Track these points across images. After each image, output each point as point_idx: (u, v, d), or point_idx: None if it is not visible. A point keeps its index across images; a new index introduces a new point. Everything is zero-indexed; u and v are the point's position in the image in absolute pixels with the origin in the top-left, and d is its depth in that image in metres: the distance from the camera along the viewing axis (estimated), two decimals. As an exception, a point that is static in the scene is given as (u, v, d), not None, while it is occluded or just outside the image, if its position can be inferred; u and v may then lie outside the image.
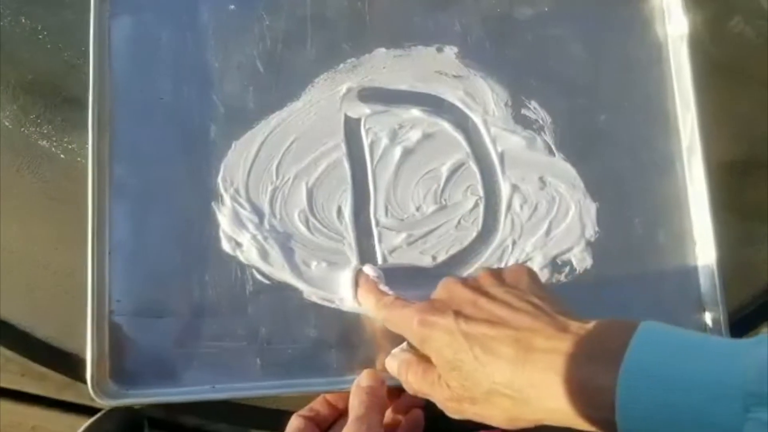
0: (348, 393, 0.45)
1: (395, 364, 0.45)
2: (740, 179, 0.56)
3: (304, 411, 0.46)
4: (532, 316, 0.39)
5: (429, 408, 0.47)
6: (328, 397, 0.47)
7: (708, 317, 0.52)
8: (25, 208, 0.52)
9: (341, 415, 0.46)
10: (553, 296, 0.42)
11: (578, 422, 0.36)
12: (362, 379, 0.46)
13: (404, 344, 0.46)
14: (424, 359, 0.43)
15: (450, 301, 0.43)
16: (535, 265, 0.50)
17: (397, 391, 0.47)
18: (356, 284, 0.49)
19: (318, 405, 0.47)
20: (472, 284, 0.44)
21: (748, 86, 0.57)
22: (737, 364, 0.32)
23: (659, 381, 0.33)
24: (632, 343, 0.34)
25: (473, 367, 0.39)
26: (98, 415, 0.47)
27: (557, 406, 0.36)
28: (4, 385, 0.51)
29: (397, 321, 0.45)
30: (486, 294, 0.42)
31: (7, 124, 0.52)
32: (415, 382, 0.43)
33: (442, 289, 0.45)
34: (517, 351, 0.38)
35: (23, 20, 0.54)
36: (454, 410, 0.41)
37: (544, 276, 0.51)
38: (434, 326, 0.41)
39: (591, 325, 0.37)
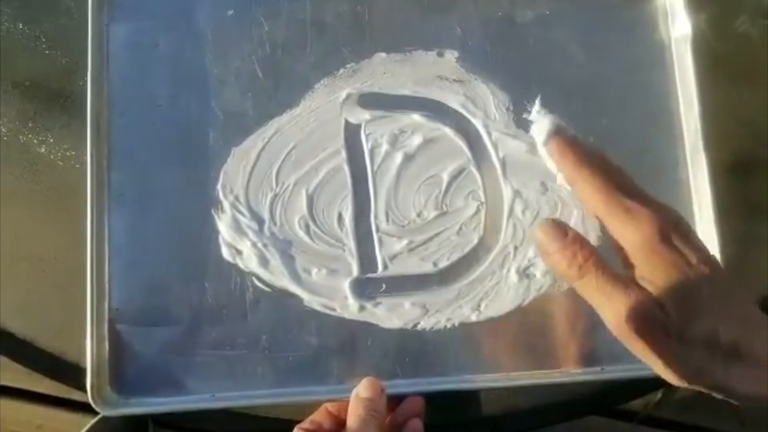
0: (348, 401, 0.45)
1: (569, 232, 0.40)
2: (744, 180, 0.56)
3: (306, 423, 0.46)
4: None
5: (428, 417, 0.47)
6: (330, 407, 0.47)
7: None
8: (23, 216, 0.52)
9: (343, 425, 0.46)
10: None
11: None
12: (361, 389, 0.45)
13: None
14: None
15: (689, 239, 0.39)
16: (538, 271, 0.50)
17: (396, 400, 0.47)
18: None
19: (320, 417, 0.46)
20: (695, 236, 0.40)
21: (752, 86, 0.57)
22: None
23: None
24: None
25: (705, 308, 0.37)
26: (101, 415, 0.47)
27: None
28: (10, 383, 0.51)
29: (624, 210, 0.39)
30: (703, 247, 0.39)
31: (5, 130, 0.52)
32: (598, 276, 0.38)
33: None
34: (755, 314, 0.38)
35: (21, 26, 0.54)
36: (639, 335, 0.37)
37: (546, 282, 0.50)
38: (675, 249, 0.38)
39: None
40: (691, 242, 0.38)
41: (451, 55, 0.53)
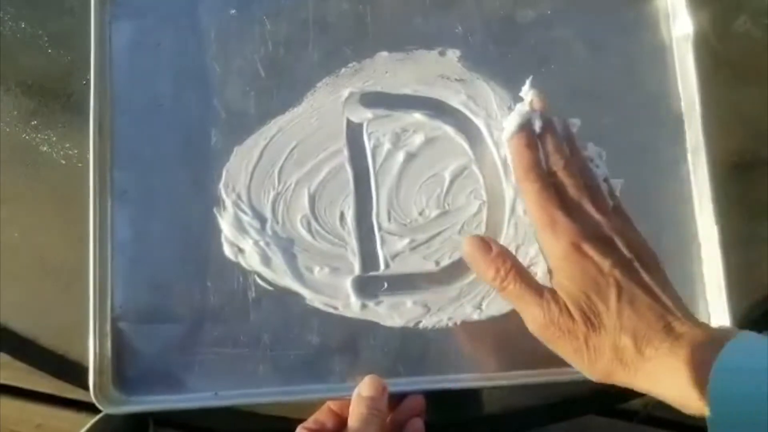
0: (350, 399, 0.45)
1: (492, 247, 0.45)
2: (745, 179, 0.56)
3: (309, 423, 0.46)
4: (673, 297, 0.42)
5: (429, 416, 0.47)
6: (333, 406, 0.47)
7: (713, 318, 0.51)
8: (26, 214, 0.52)
9: (346, 424, 0.46)
10: (671, 287, 0.44)
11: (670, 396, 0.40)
12: (363, 388, 0.45)
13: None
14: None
15: (607, 243, 0.43)
16: (539, 269, 0.50)
17: (397, 399, 0.47)
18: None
19: (323, 416, 0.47)
20: (625, 237, 0.44)
21: (753, 86, 0.57)
22: None
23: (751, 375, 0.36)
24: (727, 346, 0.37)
25: (610, 314, 0.41)
26: (103, 413, 0.47)
27: (659, 379, 0.40)
28: (10, 382, 0.51)
29: (549, 218, 0.44)
30: (641, 264, 0.43)
31: (7, 129, 0.52)
32: (516, 283, 0.43)
33: (601, 218, 0.44)
34: (657, 321, 0.41)
35: (24, 25, 0.54)
36: (553, 335, 0.42)
37: (548, 280, 0.50)
38: (587, 258, 0.42)
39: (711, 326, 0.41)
40: (611, 251, 0.42)
41: (453, 54, 0.53)
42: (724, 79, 0.55)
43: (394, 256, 0.50)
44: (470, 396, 0.52)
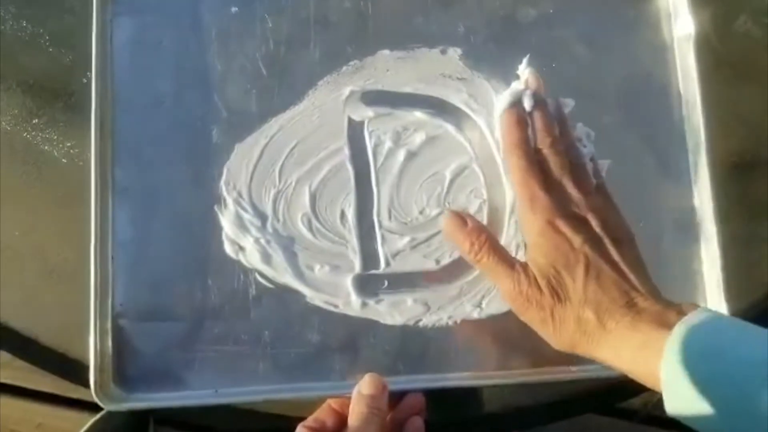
0: (350, 397, 0.45)
1: (469, 222, 0.47)
2: (745, 179, 0.56)
3: (309, 421, 0.46)
4: (639, 274, 0.44)
5: (429, 414, 0.48)
6: (333, 404, 0.47)
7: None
8: (27, 213, 0.52)
9: (346, 422, 0.46)
10: (642, 265, 0.45)
11: (629, 369, 0.41)
12: (363, 386, 0.45)
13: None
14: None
15: (581, 221, 0.45)
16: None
17: (397, 397, 0.47)
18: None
19: (323, 414, 0.47)
20: (601, 216, 0.45)
21: (754, 86, 0.57)
22: None
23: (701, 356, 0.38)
24: (683, 320, 0.39)
25: (576, 287, 0.43)
26: (103, 412, 0.47)
27: (617, 352, 0.42)
28: (10, 381, 0.51)
29: (529, 194, 0.46)
30: (613, 241, 0.44)
31: (9, 128, 0.52)
32: (490, 257, 0.45)
33: (579, 197, 0.46)
34: (620, 296, 0.42)
35: (25, 24, 0.54)
36: (522, 306, 0.45)
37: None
38: (559, 233, 0.44)
39: (676, 303, 0.42)
40: (584, 228, 0.44)
41: (454, 53, 0.53)
42: (724, 78, 0.55)
43: (395, 255, 0.50)
44: (470, 394, 0.52)
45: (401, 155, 0.51)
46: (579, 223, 0.45)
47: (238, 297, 0.49)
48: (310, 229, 0.50)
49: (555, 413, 0.52)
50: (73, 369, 0.50)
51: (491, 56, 0.53)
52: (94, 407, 0.47)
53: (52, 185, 0.52)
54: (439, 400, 0.50)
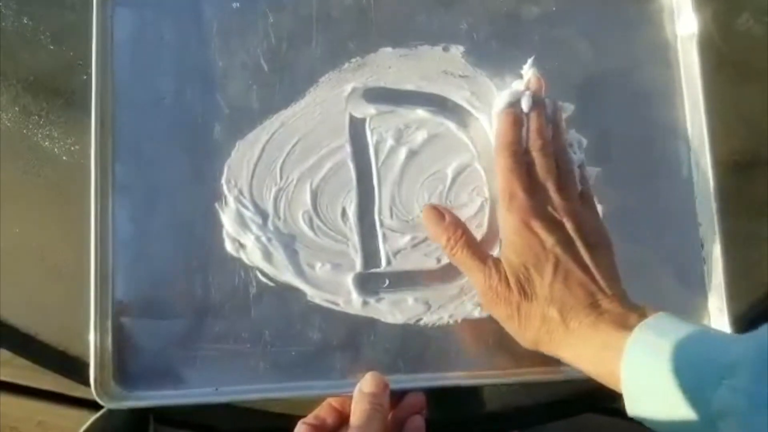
0: (351, 396, 0.45)
1: (446, 216, 0.48)
2: (748, 177, 0.56)
3: (310, 419, 0.46)
4: (607, 278, 0.44)
5: (429, 413, 0.48)
6: (333, 402, 0.47)
7: (713, 317, 0.51)
8: (27, 210, 0.51)
9: (347, 420, 0.46)
10: (613, 271, 0.46)
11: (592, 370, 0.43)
12: (365, 384, 0.45)
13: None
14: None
15: (556, 223, 0.46)
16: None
17: (398, 396, 0.47)
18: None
19: (323, 412, 0.47)
20: (577, 221, 0.46)
21: (756, 85, 0.57)
22: (729, 346, 0.37)
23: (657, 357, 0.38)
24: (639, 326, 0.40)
25: (544, 285, 0.44)
26: (103, 410, 0.47)
27: (580, 353, 0.43)
28: (10, 379, 0.51)
29: (510, 192, 0.46)
30: (586, 245, 0.45)
31: (9, 125, 0.52)
32: (465, 251, 0.47)
33: (559, 201, 0.46)
34: (585, 297, 0.43)
35: (25, 21, 0.53)
36: (491, 301, 0.46)
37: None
38: (533, 233, 0.45)
39: (641, 306, 0.43)
40: (557, 230, 0.45)
41: (456, 51, 0.53)
42: (726, 77, 0.55)
43: (396, 253, 0.50)
44: (470, 394, 0.52)
45: (403, 153, 0.51)
46: (554, 225, 0.45)
47: (239, 295, 0.49)
48: (311, 226, 0.50)
49: (554, 413, 0.52)
50: (73, 367, 0.50)
51: (494, 54, 0.53)
52: (94, 405, 0.47)
53: (53, 182, 0.52)
54: (439, 399, 0.50)
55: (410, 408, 0.47)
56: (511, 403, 0.52)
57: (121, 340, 0.47)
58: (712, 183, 0.52)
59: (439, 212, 0.48)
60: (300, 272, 0.49)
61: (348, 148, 0.51)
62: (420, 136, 0.51)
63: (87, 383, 0.46)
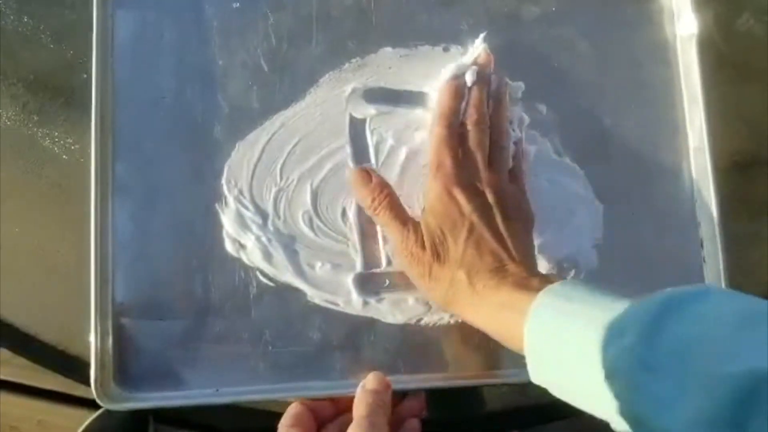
0: (351, 396, 0.45)
1: (373, 178, 0.49)
2: (748, 178, 0.56)
3: (305, 399, 0.46)
4: (518, 247, 0.46)
5: (429, 413, 0.48)
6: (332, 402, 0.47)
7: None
8: (27, 209, 0.51)
9: (341, 412, 0.46)
10: (527, 244, 0.48)
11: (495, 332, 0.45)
12: (368, 382, 0.46)
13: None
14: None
15: (478, 193, 0.47)
16: (542, 266, 0.50)
17: (398, 397, 0.47)
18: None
19: (320, 404, 0.47)
20: (498, 192, 0.47)
21: (756, 85, 0.57)
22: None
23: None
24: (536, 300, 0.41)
25: (456, 248, 0.46)
26: (102, 410, 0.47)
27: (484, 314, 0.45)
28: (10, 378, 0.51)
29: (438, 159, 0.48)
30: (504, 217, 0.47)
31: (9, 124, 0.52)
32: (387, 212, 0.48)
33: (485, 173, 0.48)
34: (493, 261, 0.45)
35: (26, 19, 0.53)
36: (406, 260, 0.47)
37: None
38: (453, 199, 0.46)
39: (546, 274, 0.45)
40: (477, 199, 0.46)
41: (456, 51, 0.53)
42: (726, 77, 0.55)
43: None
44: (470, 394, 0.52)
45: (403, 153, 0.51)
46: (474, 194, 0.47)
47: (239, 295, 0.49)
48: (312, 227, 0.50)
49: (554, 413, 0.52)
50: (73, 366, 0.50)
51: (494, 54, 0.53)
52: (94, 404, 0.46)
53: (53, 182, 0.52)
54: (439, 399, 0.50)
55: (410, 410, 0.48)
56: (511, 403, 0.52)
57: (122, 342, 0.47)
58: (712, 183, 0.52)
59: (366, 173, 0.49)
60: (300, 272, 0.49)
61: (348, 149, 0.51)
62: (420, 136, 0.51)
63: (87, 382, 0.46)
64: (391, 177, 0.51)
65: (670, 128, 0.54)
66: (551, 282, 0.42)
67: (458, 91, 0.50)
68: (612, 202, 0.52)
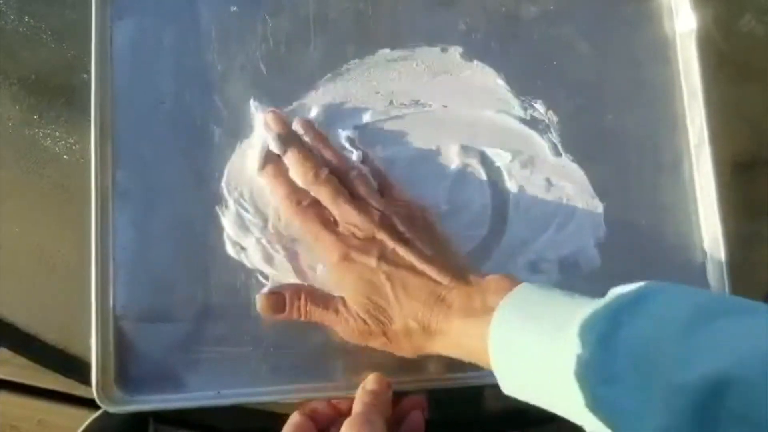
0: (352, 398, 0.46)
1: (285, 294, 0.47)
2: (748, 178, 0.56)
3: (306, 409, 0.47)
4: (440, 267, 0.45)
5: (430, 414, 0.48)
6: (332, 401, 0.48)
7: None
8: (28, 209, 0.51)
9: (341, 415, 0.47)
10: (447, 245, 0.48)
11: (465, 357, 0.44)
12: (368, 383, 0.46)
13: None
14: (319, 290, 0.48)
15: (371, 241, 0.45)
16: (542, 266, 0.50)
17: (398, 398, 0.47)
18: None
19: (318, 404, 0.47)
20: (387, 225, 0.46)
21: (756, 85, 0.56)
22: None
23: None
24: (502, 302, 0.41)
25: (392, 305, 0.44)
26: (101, 410, 0.47)
27: (449, 345, 0.44)
28: (11, 377, 0.51)
29: (315, 238, 0.47)
30: (404, 241, 0.45)
31: (10, 124, 0.52)
32: (315, 312, 0.46)
33: (360, 219, 0.46)
34: (429, 297, 0.44)
35: (26, 19, 0.53)
36: (361, 340, 0.46)
37: (552, 277, 0.50)
38: (356, 263, 0.45)
39: (484, 280, 0.44)
40: (374, 247, 0.45)
41: (455, 51, 0.52)
42: (727, 77, 0.55)
43: (397, 254, 0.50)
44: (470, 394, 0.52)
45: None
46: (368, 244, 0.45)
47: (240, 297, 0.49)
48: (312, 229, 0.50)
49: (554, 413, 0.52)
50: (73, 366, 0.50)
51: (492, 54, 0.53)
52: (94, 404, 0.47)
53: (54, 182, 0.52)
54: (439, 399, 0.50)
55: (410, 407, 0.48)
56: (511, 403, 0.51)
57: (123, 345, 0.48)
58: (712, 183, 0.52)
59: (273, 296, 0.47)
60: (301, 274, 0.49)
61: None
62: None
63: (87, 382, 0.47)
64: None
65: (670, 127, 0.54)
66: (489, 291, 0.43)
67: (278, 167, 0.48)
68: (612, 201, 0.52)
